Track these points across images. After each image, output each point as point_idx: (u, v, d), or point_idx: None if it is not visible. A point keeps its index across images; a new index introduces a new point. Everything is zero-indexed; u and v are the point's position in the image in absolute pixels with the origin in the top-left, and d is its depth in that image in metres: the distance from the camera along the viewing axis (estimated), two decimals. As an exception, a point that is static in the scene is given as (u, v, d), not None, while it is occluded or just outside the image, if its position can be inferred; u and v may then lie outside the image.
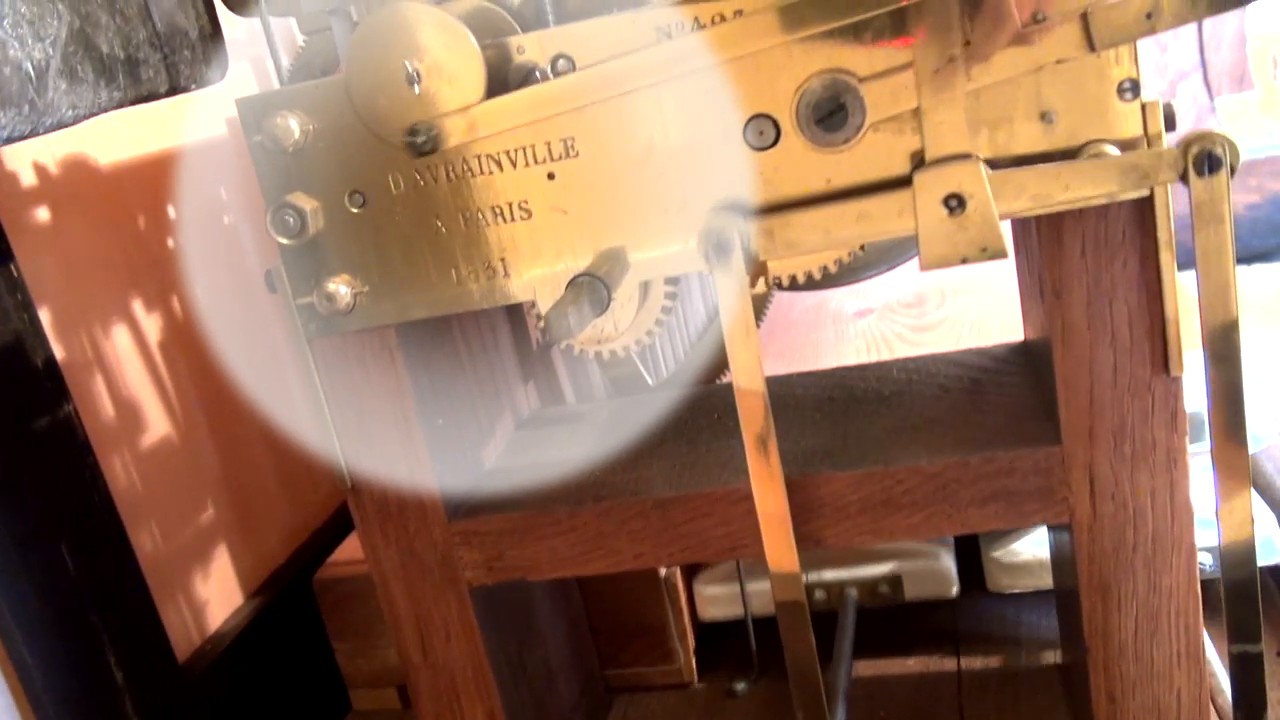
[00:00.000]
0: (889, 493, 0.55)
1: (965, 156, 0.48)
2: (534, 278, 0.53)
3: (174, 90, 0.54)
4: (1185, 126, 1.79)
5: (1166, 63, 1.74)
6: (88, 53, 0.44)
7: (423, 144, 0.50)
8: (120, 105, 0.48)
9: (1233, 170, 0.46)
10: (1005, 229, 0.50)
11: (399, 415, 0.57)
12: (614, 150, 0.51)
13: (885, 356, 0.90)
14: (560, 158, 0.52)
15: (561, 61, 0.50)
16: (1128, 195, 0.48)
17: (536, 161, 0.52)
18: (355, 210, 0.54)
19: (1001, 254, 0.48)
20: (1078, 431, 0.52)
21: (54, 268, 0.75)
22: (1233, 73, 1.74)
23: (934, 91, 0.47)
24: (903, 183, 0.48)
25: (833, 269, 0.54)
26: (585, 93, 0.50)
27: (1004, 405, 0.59)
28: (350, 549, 0.89)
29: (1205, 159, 0.45)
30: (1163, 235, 0.49)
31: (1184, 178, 0.46)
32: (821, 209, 0.49)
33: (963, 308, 0.94)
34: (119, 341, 0.80)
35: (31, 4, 0.41)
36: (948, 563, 0.81)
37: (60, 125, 0.43)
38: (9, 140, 0.40)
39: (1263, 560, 0.76)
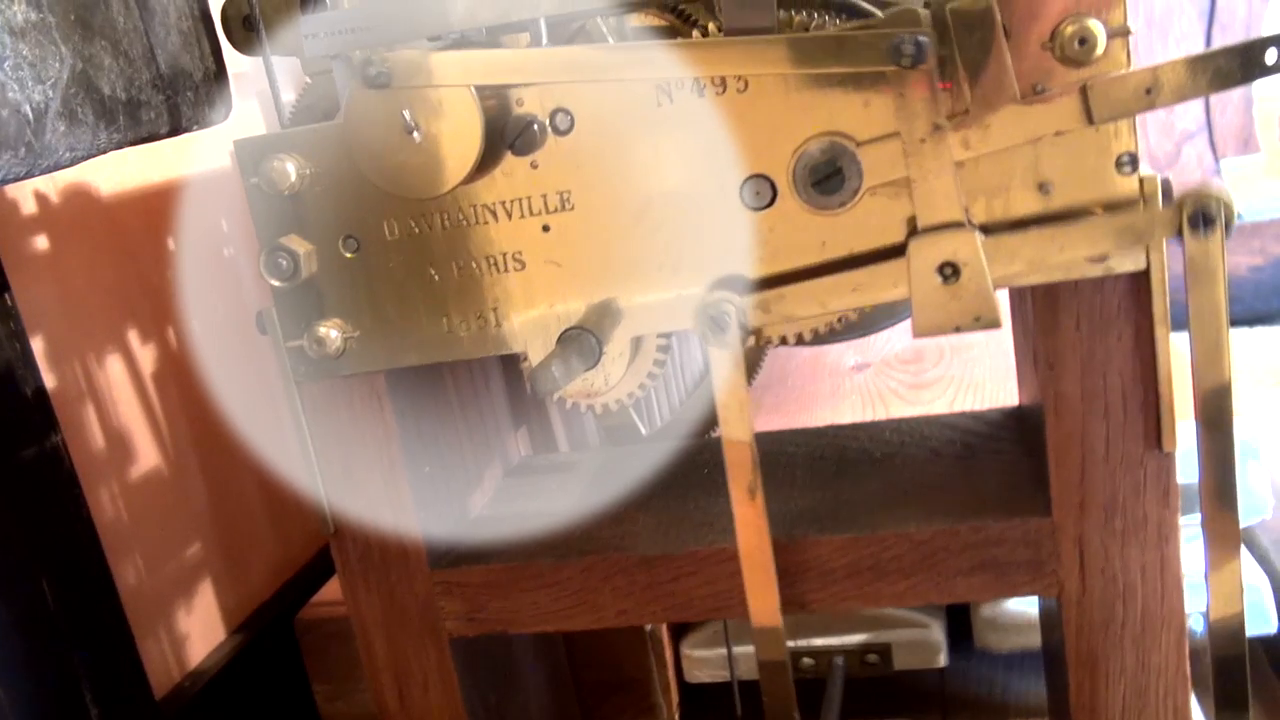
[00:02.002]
0: (876, 559, 0.54)
1: (959, 225, 0.47)
2: (526, 329, 0.53)
3: (175, 131, 0.54)
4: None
5: (1172, 123, 1.75)
6: (89, 95, 0.44)
7: (377, 77, 0.48)
8: (120, 146, 0.48)
9: (1228, 228, 0.46)
10: (1002, 295, 0.50)
11: (385, 462, 0.57)
12: (609, 205, 0.51)
13: (880, 412, 0.89)
14: (556, 210, 0.52)
15: (560, 115, 0.50)
16: (1124, 264, 0.47)
17: (532, 213, 0.52)
18: (349, 255, 0.54)
19: (995, 324, 0.48)
20: (1068, 504, 0.52)
21: (49, 297, 0.75)
22: (1239, 135, 1.75)
23: (921, 161, 0.47)
24: (897, 251, 0.48)
25: (826, 329, 0.54)
26: (573, 68, 0.49)
27: (995, 473, 0.58)
28: (334, 589, 0.88)
29: (1200, 217, 0.45)
30: (1158, 310, 0.49)
31: (1179, 235, 0.46)
32: (817, 281, 0.49)
33: (961, 366, 0.94)
34: (112, 372, 0.80)
35: (34, 46, 0.41)
36: (938, 634, 0.80)
37: (57, 167, 0.43)
38: (4, 182, 0.40)
39: (1253, 630, 0.76)
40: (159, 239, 0.86)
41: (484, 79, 0.49)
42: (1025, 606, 0.79)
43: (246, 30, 0.59)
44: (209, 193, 0.91)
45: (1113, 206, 0.47)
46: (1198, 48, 1.71)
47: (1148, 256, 0.48)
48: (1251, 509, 0.78)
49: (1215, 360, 0.47)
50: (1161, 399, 0.50)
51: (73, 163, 0.44)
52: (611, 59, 0.48)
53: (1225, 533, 0.49)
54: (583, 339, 0.51)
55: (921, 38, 0.44)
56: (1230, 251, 0.47)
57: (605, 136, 0.50)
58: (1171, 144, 1.75)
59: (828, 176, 0.49)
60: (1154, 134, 1.74)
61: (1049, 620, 0.66)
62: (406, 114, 0.48)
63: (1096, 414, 0.51)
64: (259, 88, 0.94)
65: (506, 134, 0.50)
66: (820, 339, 0.55)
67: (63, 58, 0.42)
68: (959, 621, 0.83)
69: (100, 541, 0.75)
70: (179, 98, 0.54)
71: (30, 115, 0.40)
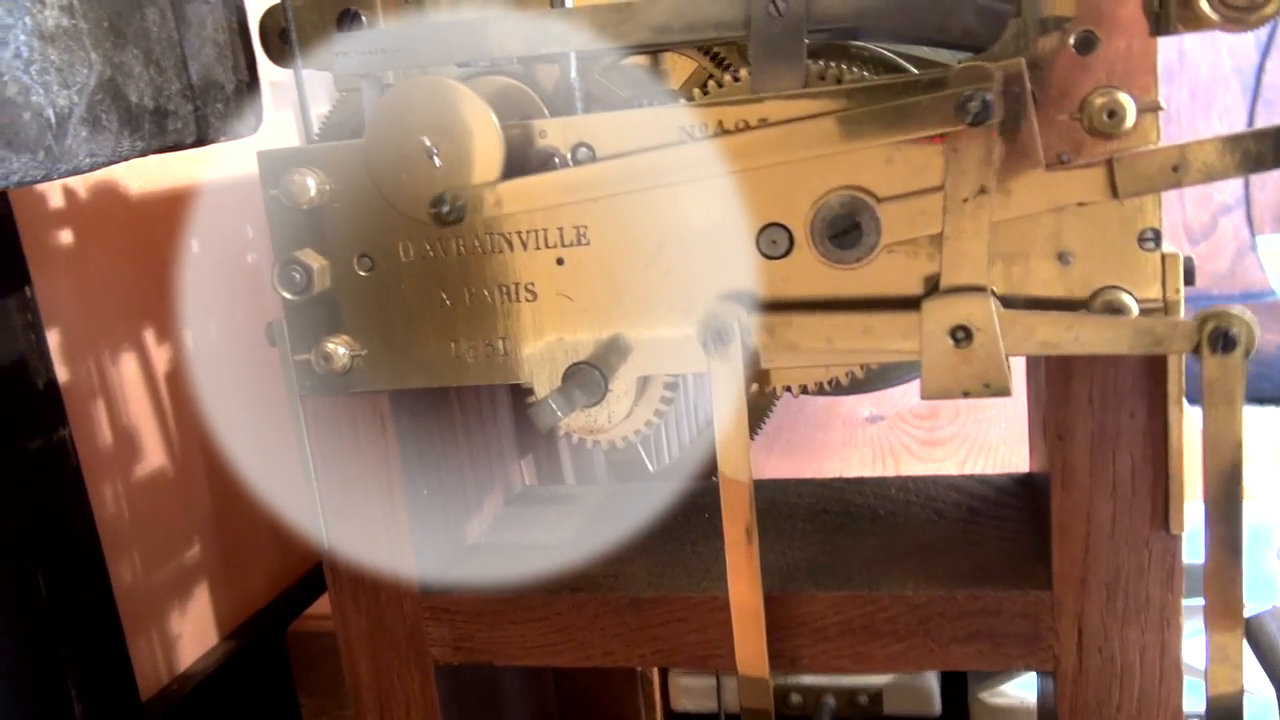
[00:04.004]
0: (871, 619, 0.53)
1: (978, 289, 0.47)
2: (533, 360, 0.53)
3: (201, 142, 0.54)
4: (1224, 262, 1.78)
5: (1210, 195, 1.74)
6: (115, 102, 0.45)
7: (447, 214, 0.49)
8: (143, 154, 0.48)
9: (1248, 352, 0.45)
10: (1018, 361, 0.49)
11: (383, 483, 0.57)
12: (625, 243, 0.51)
13: (890, 467, 0.89)
14: (571, 244, 0.51)
15: (582, 150, 0.50)
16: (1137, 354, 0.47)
17: (547, 245, 0.52)
18: (362, 273, 0.54)
19: (1005, 391, 0.47)
20: (1070, 579, 0.51)
21: (69, 291, 0.76)
22: (1277, 212, 1.73)
23: (960, 220, 0.46)
24: (912, 304, 0.48)
25: (834, 382, 0.53)
26: (623, 181, 0.49)
27: (998, 540, 0.57)
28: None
29: (1221, 338, 0.45)
30: (1173, 389, 0.48)
31: (1196, 350, 0.45)
32: (827, 315, 0.48)
33: (975, 426, 0.93)
34: (125, 370, 0.80)
35: (63, 52, 0.41)
36: (930, 680, 0.78)
37: (76, 172, 0.43)
38: (20, 184, 0.40)
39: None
40: (183, 241, 0.87)
41: (551, 201, 0.50)
42: (1023, 692, 0.77)
43: (282, 43, 0.60)
44: (236, 198, 0.91)
45: (1132, 290, 0.46)
46: (1240, 122, 1.70)
47: (1165, 334, 0.47)
48: (1263, 594, 0.77)
49: (1229, 485, 0.46)
50: (1171, 480, 0.49)
51: (93, 168, 0.44)
52: (651, 165, 0.48)
53: (1228, 600, 0.48)
54: (588, 374, 0.51)
55: (988, 95, 0.44)
56: (1263, 328, 0.46)
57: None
58: (1208, 216, 1.74)
59: (846, 231, 0.48)
60: (1191, 205, 1.72)
61: (1045, 698, 0.65)
62: (426, 140, 0.49)
63: (1104, 490, 0.50)
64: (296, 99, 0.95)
65: (528, 165, 0.50)
66: (830, 390, 0.54)
67: (91, 64, 0.43)
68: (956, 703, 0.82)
69: (99, 537, 0.75)
70: (208, 109, 0.54)
71: (53, 119, 0.40)
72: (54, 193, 0.74)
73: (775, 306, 0.49)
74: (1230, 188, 1.71)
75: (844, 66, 0.51)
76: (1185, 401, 0.49)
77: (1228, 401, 0.45)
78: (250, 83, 0.60)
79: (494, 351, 0.53)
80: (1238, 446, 0.46)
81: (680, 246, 0.50)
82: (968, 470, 0.85)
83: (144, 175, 0.83)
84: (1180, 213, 1.74)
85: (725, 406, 0.49)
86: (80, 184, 0.76)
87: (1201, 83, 1.70)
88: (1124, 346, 0.46)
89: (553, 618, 0.57)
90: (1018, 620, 0.52)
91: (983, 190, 0.46)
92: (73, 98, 0.41)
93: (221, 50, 0.56)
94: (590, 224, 0.51)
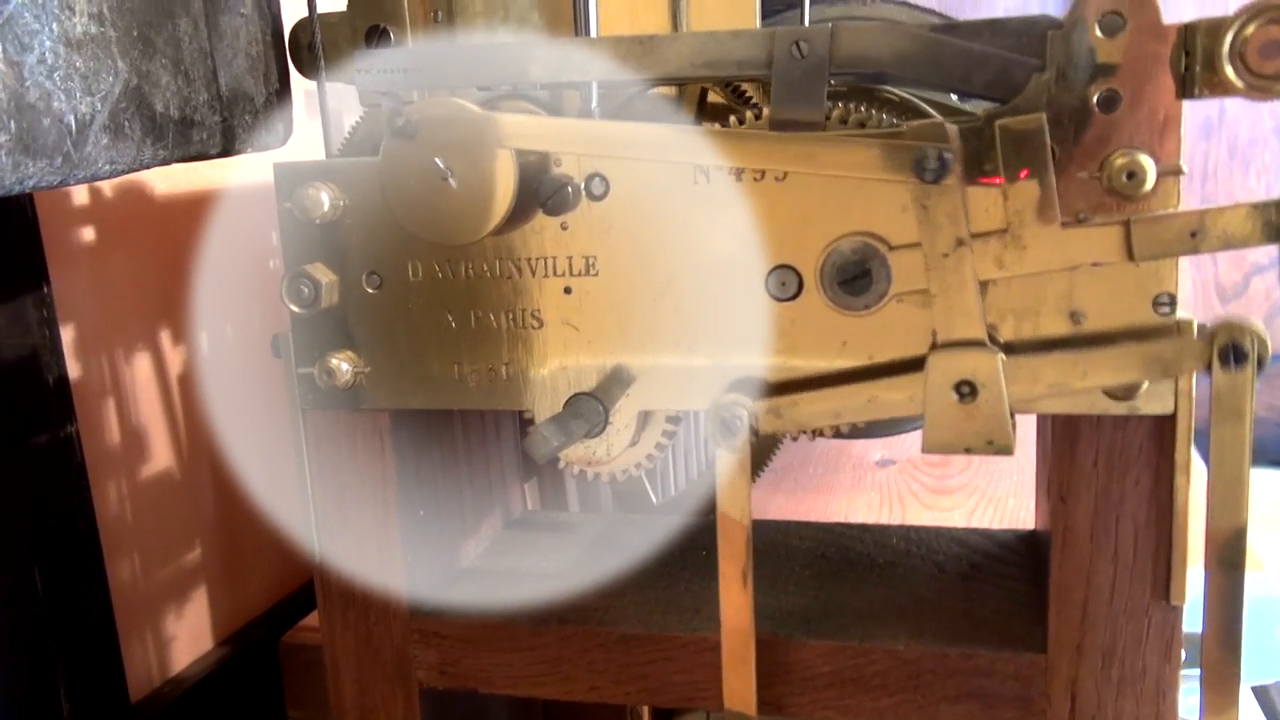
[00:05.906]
0: (860, 671, 0.52)
1: (981, 344, 0.46)
2: (535, 388, 0.53)
3: (226, 153, 0.54)
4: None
5: (1244, 254, 1.72)
6: (139, 110, 0.45)
7: (403, 127, 0.48)
8: (165, 163, 0.48)
9: (1260, 365, 0.44)
10: (1027, 417, 0.49)
11: (379, 501, 0.56)
12: (634, 276, 0.50)
13: (897, 513, 0.88)
14: (580, 274, 0.51)
15: (596, 180, 0.50)
16: (1150, 405, 0.46)
17: (556, 274, 0.51)
18: (371, 290, 0.54)
19: (1007, 450, 0.46)
20: (1065, 644, 0.50)
21: (86, 289, 0.76)
22: (1312, 273, 1.71)
23: (943, 275, 0.46)
24: (915, 365, 0.47)
25: (846, 427, 0.52)
26: (623, 145, 0.49)
27: (996, 598, 0.56)
28: (325, 614, 0.87)
29: (1231, 351, 0.44)
30: (1180, 456, 0.47)
31: (1208, 368, 0.44)
32: (832, 390, 0.48)
33: (986, 478, 0.92)
34: (138, 371, 0.81)
35: (89, 59, 0.41)
36: None
37: (94, 179, 0.43)
38: (35, 189, 0.40)
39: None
40: (205, 245, 0.87)
41: (515, 143, 0.49)
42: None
43: (311, 55, 0.60)
44: (260, 205, 0.92)
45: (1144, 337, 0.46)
46: (1279, 183, 1.68)
47: (1175, 400, 0.47)
48: (1273, 668, 0.75)
49: (1234, 502, 0.45)
50: (1174, 549, 0.48)
51: (112, 175, 0.44)
52: (633, 137, 0.48)
53: (1226, 678, 0.47)
54: (588, 406, 0.50)
55: (946, 153, 0.44)
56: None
57: (638, 208, 0.50)
58: (1240, 275, 1.72)
59: (856, 277, 0.48)
60: (1223, 264, 1.71)
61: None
62: (440, 161, 0.49)
63: (1105, 555, 0.49)
64: (331, 108, 0.96)
65: (540, 192, 0.50)
66: (839, 434, 0.54)
67: (118, 72, 0.43)
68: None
69: (99, 536, 0.76)
70: (235, 120, 0.54)
71: (73, 126, 0.41)
72: (78, 192, 0.75)
73: (781, 387, 0.49)
74: (1265, 248, 1.69)
75: (870, 110, 0.51)
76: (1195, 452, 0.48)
77: (1236, 416, 0.44)
78: (280, 95, 0.61)
79: (497, 376, 0.53)
80: (1244, 461, 0.45)
81: (689, 282, 0.50)
82: (975, 522, 0.84)
83: (170, 178, 0.83)
84: (1213, 270, 1.72)
85: (729, 492, 0.49)
86: (105, 184, 0.77)
87: (1241, 141, 1.69)
88: (1135, 374, 0.45)
89: (540, 648, 0.56)
90: (1010, 682, 0.51)
91: (960, 243, 0.45)
92: (95, 105, 0.42)
93: (254, 62, 0.57)
94: (600, 255, 0.51)
